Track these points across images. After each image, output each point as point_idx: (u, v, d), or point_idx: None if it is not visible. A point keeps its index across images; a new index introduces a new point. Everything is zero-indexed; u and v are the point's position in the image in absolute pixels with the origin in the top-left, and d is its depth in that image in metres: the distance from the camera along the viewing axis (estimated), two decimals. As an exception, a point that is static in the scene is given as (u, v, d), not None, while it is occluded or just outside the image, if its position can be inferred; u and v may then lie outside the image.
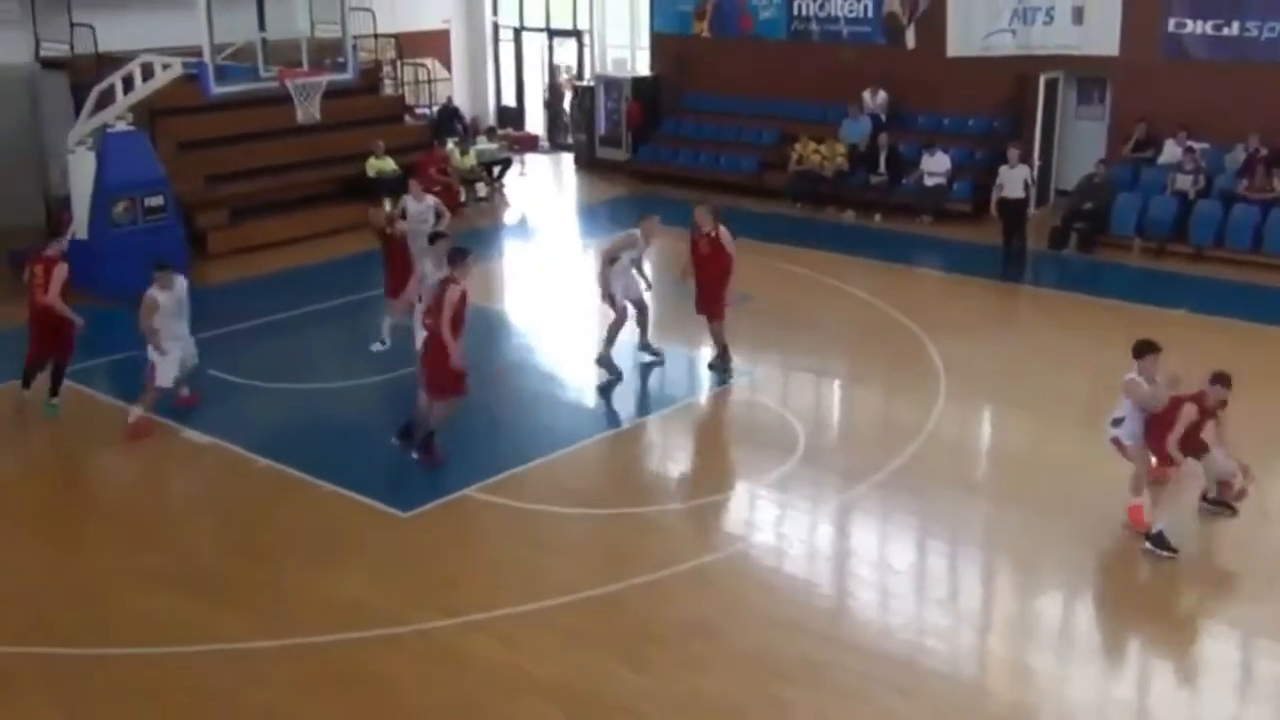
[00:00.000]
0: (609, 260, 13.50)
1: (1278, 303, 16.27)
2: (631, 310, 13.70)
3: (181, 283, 12.26)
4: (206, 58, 14.83)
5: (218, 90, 15.25)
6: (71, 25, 19.30)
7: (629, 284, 13.63)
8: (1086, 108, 21.39)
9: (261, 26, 15.21)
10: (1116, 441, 10.28)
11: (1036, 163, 20.80)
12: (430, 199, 15.05)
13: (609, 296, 13.51)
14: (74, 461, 11.92)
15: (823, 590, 9.70)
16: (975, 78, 20.92)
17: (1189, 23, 19.46)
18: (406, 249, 13.70)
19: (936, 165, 20.80)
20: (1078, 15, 19.97)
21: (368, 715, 7.89)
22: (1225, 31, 19.15)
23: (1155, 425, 9.98)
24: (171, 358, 12.04)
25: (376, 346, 14.05)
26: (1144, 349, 10.29)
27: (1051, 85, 20.91)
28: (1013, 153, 18.11)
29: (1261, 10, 18.79)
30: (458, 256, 11.04)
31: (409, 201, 14.87)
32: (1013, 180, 17.72)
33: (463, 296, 10.79)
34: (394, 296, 13.71)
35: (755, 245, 17.66)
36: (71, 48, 19.41)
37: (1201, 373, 13.71)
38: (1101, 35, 19.73)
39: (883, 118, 22.21)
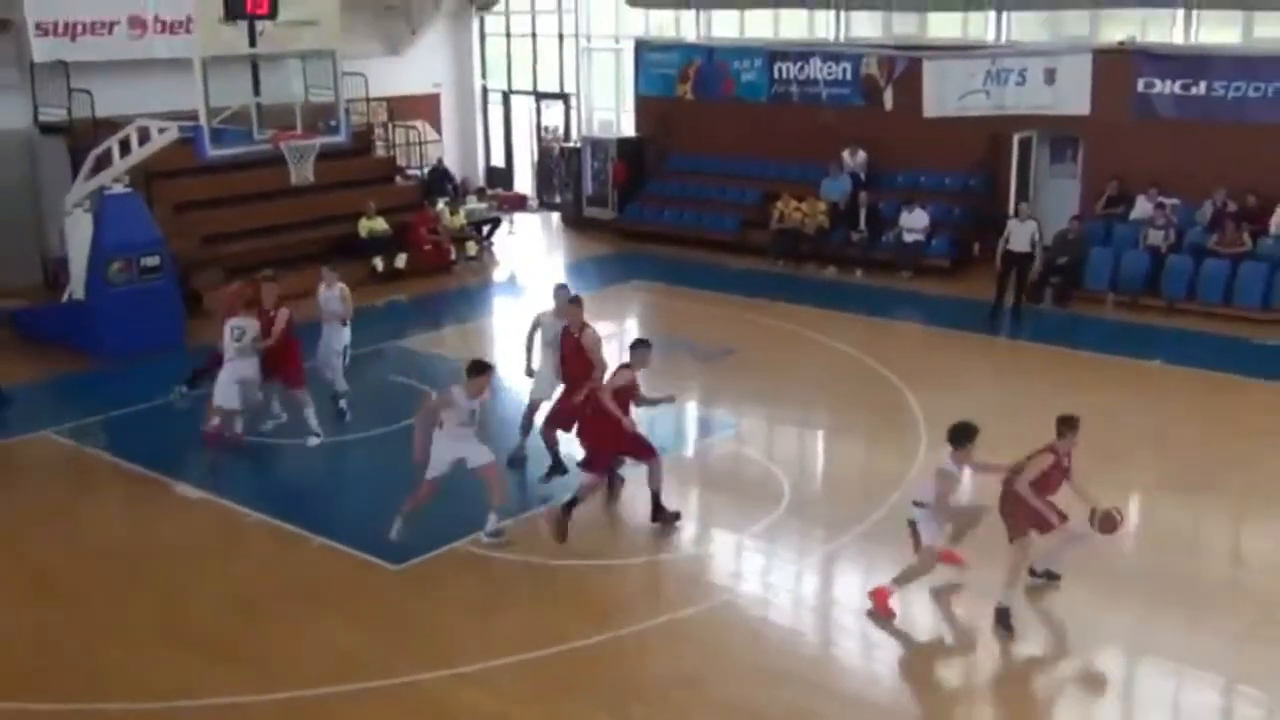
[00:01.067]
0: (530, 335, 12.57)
1: (1249, 353, 16.34)
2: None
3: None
4: (202, 121, 14.86)
5: (213, 153, 15.28)
6: (70, 91, 19.38)
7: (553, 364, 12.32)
8: (1060, 165, 21.58)
9: (256, 91, 15.26)
10: (913, 526, 9.76)
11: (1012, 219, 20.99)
12: (340, 286, 13.88)
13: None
14: (66, 516, 11.80)
15: (808, 639, 9.64)
16: (951, 137, 21.10)
17: (1158, 83, 19.70)
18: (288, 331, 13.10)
19: (915, 222, 20.93)
20: (1050, 76, 20.18)
21: (357, 768, 7.80)
22: (1193, 91, 19.39)
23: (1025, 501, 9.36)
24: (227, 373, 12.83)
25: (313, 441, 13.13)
26: (962, 435, 9.64)
27: (1025, 144, 21.09)
28: (1023, 207, 18.35)
29: (1227, 71, 19.05)
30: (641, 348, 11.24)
31: (321, 287, 13.92)
32: (1020, 234, 17.79)
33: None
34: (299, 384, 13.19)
35: (739, 301, 17.82)
36: (69, 113, 19.49)
37: (1178, 423, 13.85)
38: (1073, 95, 19.91)
39: (862, 176, 22.38)
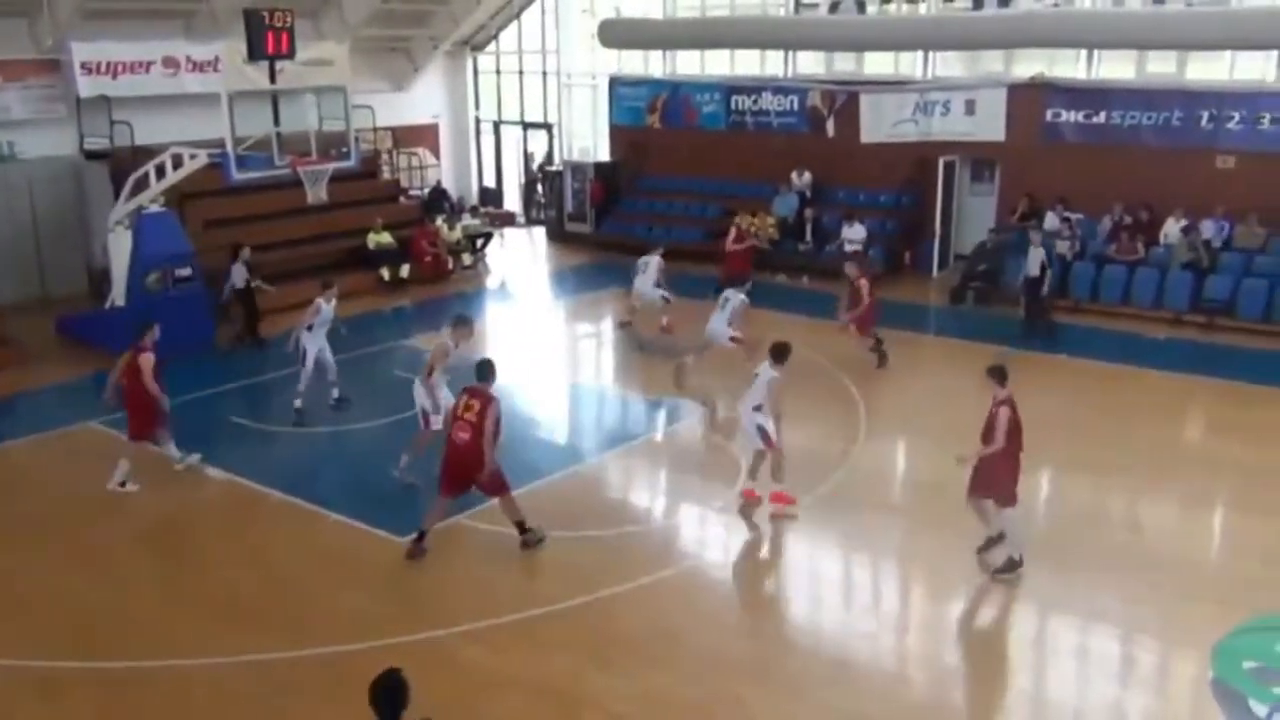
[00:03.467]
0: (428, 374, 11.38)
1: (1143, 347, 16.54)
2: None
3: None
4: (229, 149, 14.82)
5: (238, 176, 15.23)
6: (111, 122, 19.24)
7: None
8: (979, 184, 21.75)
9: (276, 122, 15.21)
10: (762, 430, 10.79)
11: (938, 231, 21.14)
12: (335, 300, 13.61)
13: (423, 413, 11.44)
14: (113, 498, 11.73)
15: (765, 598, 9.72)
16: (885, 160, 21.25)
17: (1064, 113, 19.90)
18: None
19: (855, 234, 20.95)
20: (970, 107, 20.36)
21: (374, 715, 7.79)
22: (1094, 120, 19.60)
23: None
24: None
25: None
26: (783, 353, 10.88)
27: (949, 166, 21.25)
28: (1034, 235, 17.29)
29: (1123, 103, 19.26)
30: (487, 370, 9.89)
31: (320, 302, 13.40)
32: (1031, 259, 16.92)
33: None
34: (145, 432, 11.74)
35: (701, 306, 17.81)
36: (111, 141, 19.34)
37: (1082, 407, 14.01)
38: (990, 124, 20.10)
39: (808, 194, 22.47)
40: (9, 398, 14.82)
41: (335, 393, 13.89)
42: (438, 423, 11.18)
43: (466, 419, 9.68)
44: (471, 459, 9.70)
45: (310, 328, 13.47)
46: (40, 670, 8.36)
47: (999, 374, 9.58)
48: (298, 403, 13.56)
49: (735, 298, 14.51)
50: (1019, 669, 8.61)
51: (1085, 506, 11.39)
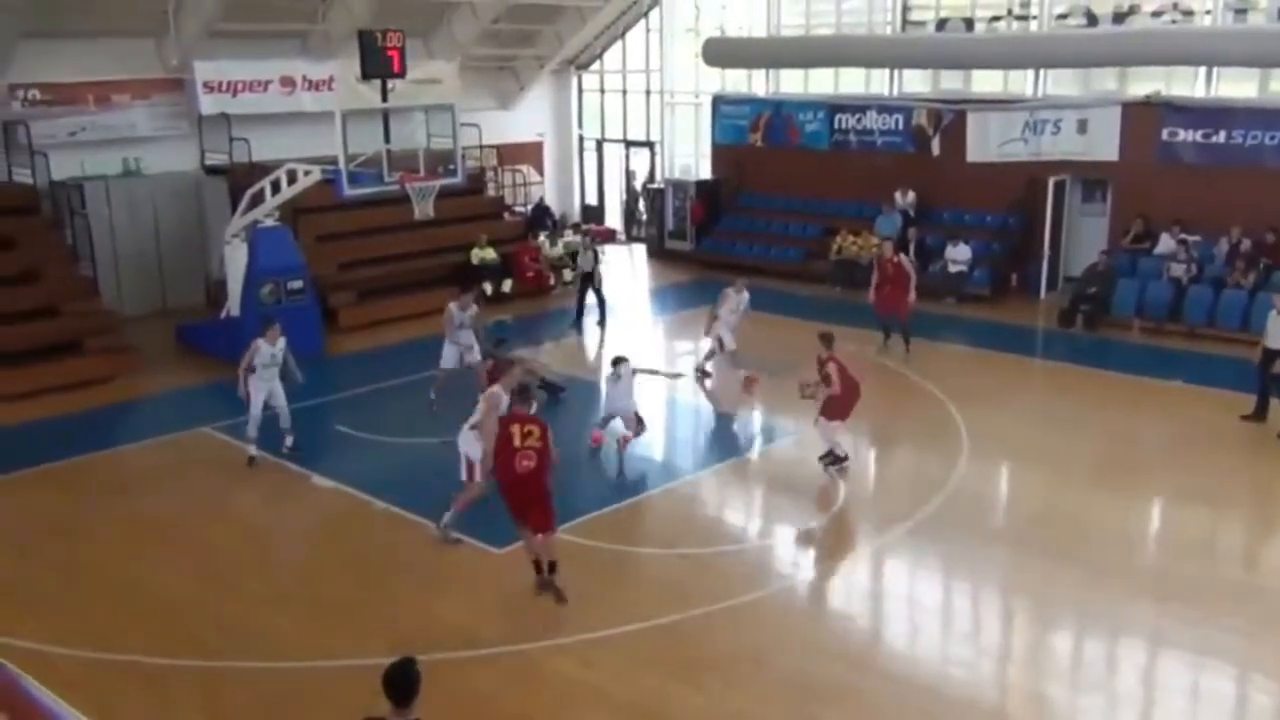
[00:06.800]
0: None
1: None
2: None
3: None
4: (341, 165, 15.18)
5: (349, 192, 15.58)
6: (231, 139, 19.92)
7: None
8: (1090, 205, 21.16)
9: (386, 139, 15.54)
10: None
11: (1046, 253, 20.61)
12: (282, 341, 12.78)
13: (468, 463, 10.72)
14: (222, 502, 12.09)
15: (859, 624, 9.54)
16: (992, 180, 20.82)
17: (1181, 132, 19.25)
18: None
19: (959, 255, 20.69)
20: (1082, 126, 19.86)
21: (465, 724, 7.87)
22: (1213, 140, 18.93)
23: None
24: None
25: None
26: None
27: (1059, 186, 20.72)
28: (1279, 299, 13.74)
29: (1245, 122, 18.58)
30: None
31: (262, 344, 12.64)
32: (1275, 329, 13.58)
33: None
34: None
35: (799, 323, 17.64)
36: (230, 157, 20.01)
37: (1195, 438, 13.49)
38: (1103, 143, 19.57)
39: (912, 214, 22.15)
40: (129, 402, 15.40)
41: (289, 440, 13.08)
42: (480, 474, 10.38)
43: (529, 446, 9.16)
44: (536, 488, 9.31)
45: (253, 370, 12.68)
46: (147, 666, 8.63)
47: (827, 340, 12.08)
48: (289, 440, 13.07)
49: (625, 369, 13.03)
50: (1125, 704, 8.30)
51: (1192, 540, 10.95)
